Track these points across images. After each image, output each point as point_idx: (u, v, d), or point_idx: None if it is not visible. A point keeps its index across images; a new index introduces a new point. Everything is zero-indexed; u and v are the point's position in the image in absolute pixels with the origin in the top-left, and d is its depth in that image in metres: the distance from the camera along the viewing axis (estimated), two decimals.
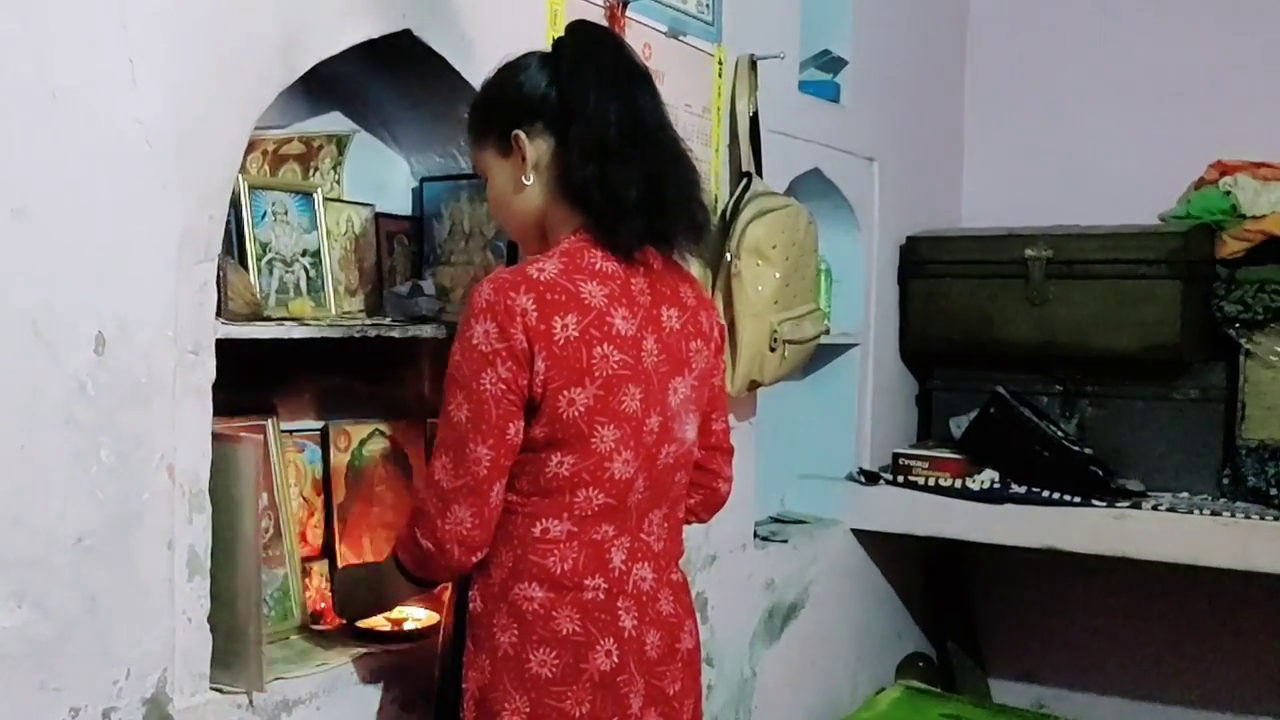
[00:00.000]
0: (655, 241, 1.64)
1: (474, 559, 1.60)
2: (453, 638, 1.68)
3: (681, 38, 2.53)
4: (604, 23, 2.32)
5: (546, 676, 1.58)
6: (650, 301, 1.64)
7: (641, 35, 2.40)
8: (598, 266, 1.59)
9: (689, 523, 1.84)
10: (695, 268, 1.90)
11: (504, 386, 1.52)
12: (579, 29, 1.69)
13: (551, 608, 1.58)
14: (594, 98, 1.59)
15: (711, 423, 1.81)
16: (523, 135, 1.65)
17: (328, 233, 2.03)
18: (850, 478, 3.43)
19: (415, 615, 2.00)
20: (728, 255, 2.52)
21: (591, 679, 1.59)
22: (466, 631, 1.64)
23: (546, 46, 2.17)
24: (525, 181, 1.66)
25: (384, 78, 2.10)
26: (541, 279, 1.55)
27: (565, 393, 1.54)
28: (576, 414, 1.55)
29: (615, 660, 1.61)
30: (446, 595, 1.77)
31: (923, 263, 3.56)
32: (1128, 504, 3.10)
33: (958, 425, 3.41)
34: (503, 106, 1.68)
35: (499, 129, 1.67)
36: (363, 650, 1.87)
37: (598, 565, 1.61)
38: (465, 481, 1.55)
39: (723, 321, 1.81)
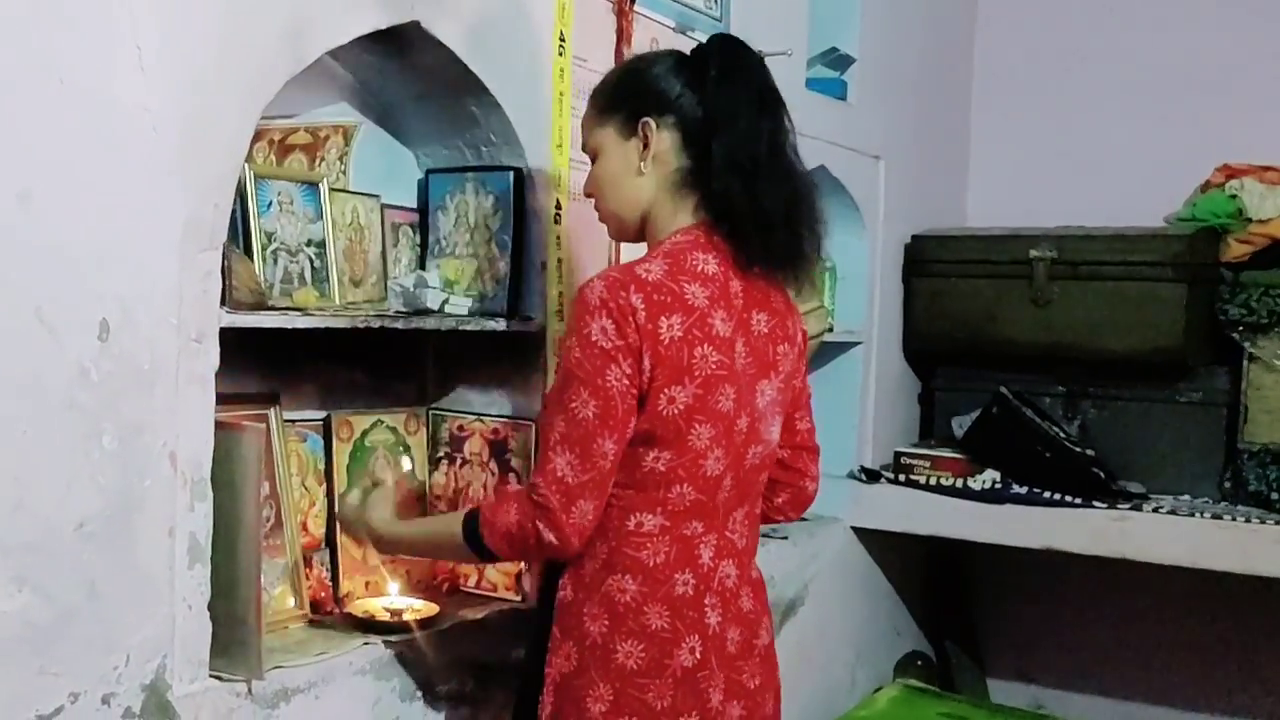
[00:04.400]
0: (784, 258, 1.70)
1: (578, 547, 1.62)
2: (541, 623, 1.69)
3: (689, 33, 2.53)
4: (613, 17, 2.33)
5: (632, 668, 1.60)
6: (743, 305, 1.67)
7: (649, 30, 2.40)
8: (699, 269, 1.63)
9: (776, 521, 1.90)
10: None
11: (627, 382, 1.56)
12: (729, 42, 1.72)
13: (643, 601, 1.61)
14: (746, 113, 1.65)
15: (796, 422, 1.84)
16: (652, 124, 1.67)
17: (333, 223, 2.02)
18: (852, 475, 3.43)
19: (414, 606, 2.00)
20: None
21: (674, 674, 1.62)
22: (554, 618, 1.66)
23: (554, 39, 2.18)
24: (643, 169, 1.69)
25: (391, 69, 2.10)
26: (649, 279, 1.58)
27: (666, 391, 1.57)
28: (676, 412, 1.58)
29: (698, 656, 1.63)
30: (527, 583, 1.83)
31: (927, 262, 3.56)
32: (1129, 506, 3.10)
33: (960, 425, 3.40)
34: (637, 91, 1.71)
35: (627, 111, 1.70)
36: (362, 640, 1.88)
37: (687, 560, 1.64)
38: (591, 476, 1.57)
39: (805, 326, 1.86)
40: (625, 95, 1.73)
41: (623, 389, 1.56)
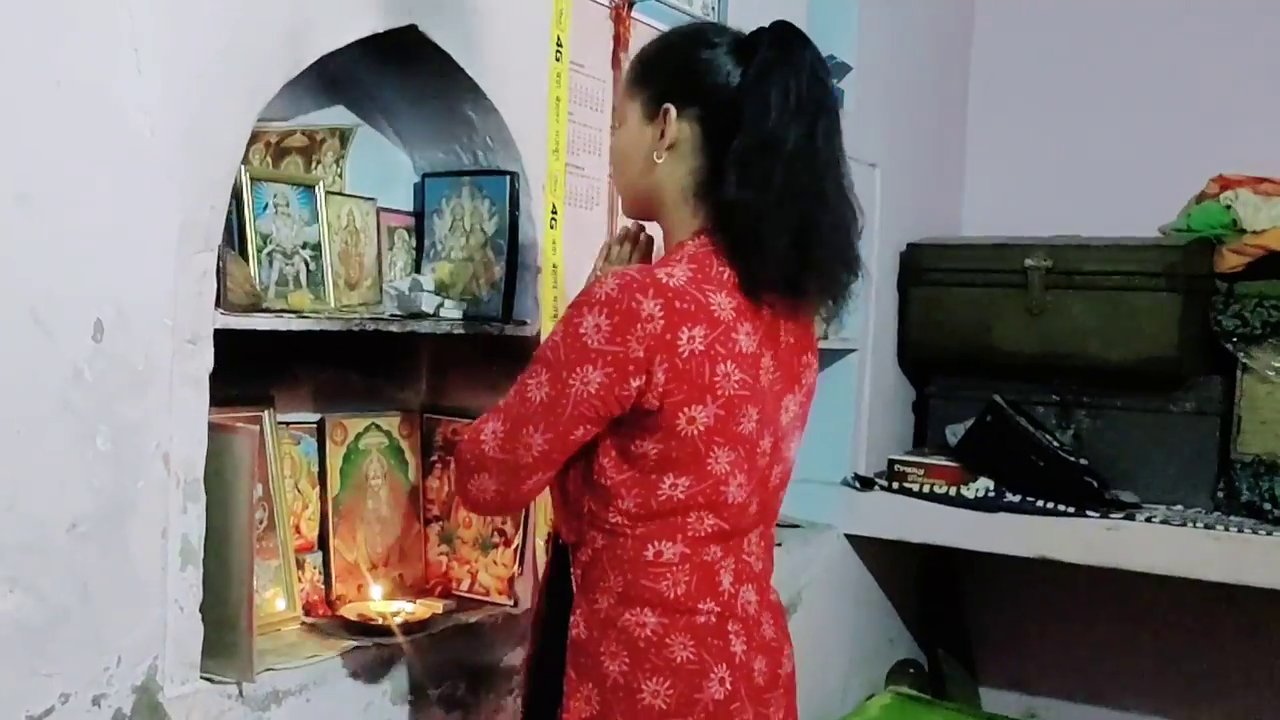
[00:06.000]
0: (787, 292, 1.51)
1: (483, 515, 1.53)
2: (548, 663, 1.57)
3: None
4: (610, 22, 2.33)
5: (660, 708, 1.46)
6: (771, 315, 1.52)
7: (646, 36, 2.40)
8: (726, 276, 1.47)
9: None
10: None
11: (594, 389, 1.41)
12: (783, 32, 1.51)
13: (665, 634, 1.48)
14: (775, 115, 1.44)
15: None
16: (673, 111, 1.51)
17: (328, 226, 2.03)
18: (845, 483, 3.44)
19: (406, 609, 2.00)
20: None
21: (705, 708, 1.48)
22: (567, 658, 1.52)
23: (551, 44, 2.18)
24: (655, 159, 1.53)
25: (389, 72, 2.10)
26: (671, 285, 1.42)
27: (686, 410, 1.43)
28: (695, 433, 1.44)
29: (729, 687, 1.50)
30: (532, 619, 1.69)
31: (923, 270, 3.56)
32: (1121, 515, 3.11)
33: (954, 433, 3.41)
34: (671, 70, 1.54)
35: (655, 90, 1.54)
36: (353, 643, 1.88)
37: (709, 588, 1.51)
38: (507, 459, 1.46)
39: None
40: (658, 72, 1.55)
41: (583, 395, 1.41)
